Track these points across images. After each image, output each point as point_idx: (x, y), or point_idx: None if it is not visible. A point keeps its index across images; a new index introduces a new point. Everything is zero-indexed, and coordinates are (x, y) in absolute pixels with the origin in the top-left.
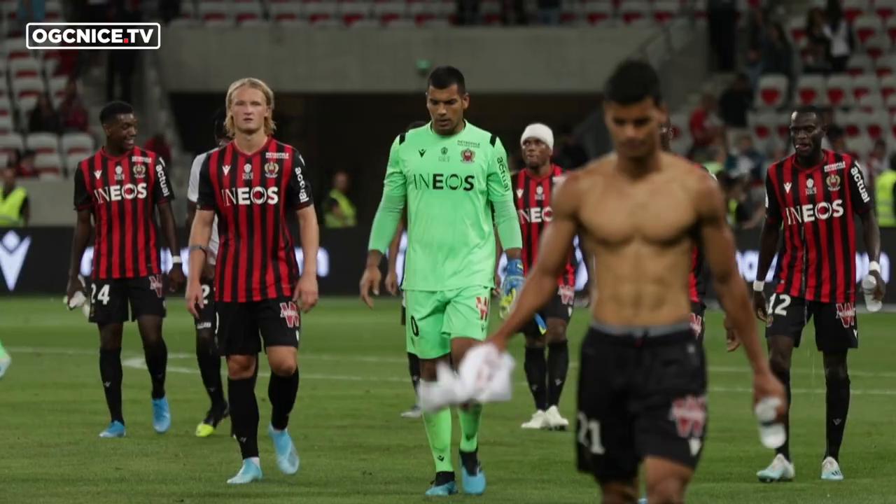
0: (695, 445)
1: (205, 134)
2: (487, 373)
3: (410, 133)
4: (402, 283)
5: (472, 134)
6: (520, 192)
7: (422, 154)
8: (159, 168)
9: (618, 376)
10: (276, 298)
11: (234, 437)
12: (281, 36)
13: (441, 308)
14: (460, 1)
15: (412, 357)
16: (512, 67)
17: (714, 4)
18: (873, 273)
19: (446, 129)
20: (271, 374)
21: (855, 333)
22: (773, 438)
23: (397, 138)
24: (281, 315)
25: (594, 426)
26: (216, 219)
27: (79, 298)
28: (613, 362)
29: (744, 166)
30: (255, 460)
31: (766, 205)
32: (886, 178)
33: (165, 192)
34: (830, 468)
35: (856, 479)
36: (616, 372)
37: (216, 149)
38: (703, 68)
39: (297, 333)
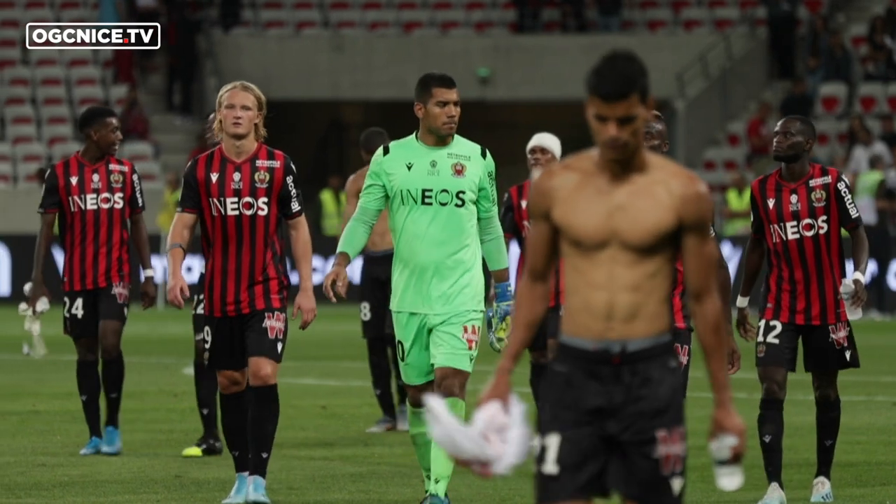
0: (676, 485)
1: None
2: (498, 440)
3: (394, 144)
4: (389, 304)
5: (463, 146)
6: (524, 203)
7: (409, 168)
8: (135, 177)
9: (594, 396)
10: (263, 309)
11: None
12: (341, 44)
13: (426, 332)
14: (520, 8)
15: (378, 368)
16: (572, 75)
17: (774, 12)
18: (855, 281)
19: (450, 133)
20: (249, 394)
21: (848, 354)
22: (728, 480)
23: (380, 149)
24: (263, 324)
25: (552, 440)
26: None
27: (43, 304)
28: (589, 380)
29: None
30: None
31: (752, 221)
32: None
33: (140, 202)
34: (822, 489)
35: None
36: (592, 391)
37: (203, 153)
38: (763, 76)
39: (279, 346)
